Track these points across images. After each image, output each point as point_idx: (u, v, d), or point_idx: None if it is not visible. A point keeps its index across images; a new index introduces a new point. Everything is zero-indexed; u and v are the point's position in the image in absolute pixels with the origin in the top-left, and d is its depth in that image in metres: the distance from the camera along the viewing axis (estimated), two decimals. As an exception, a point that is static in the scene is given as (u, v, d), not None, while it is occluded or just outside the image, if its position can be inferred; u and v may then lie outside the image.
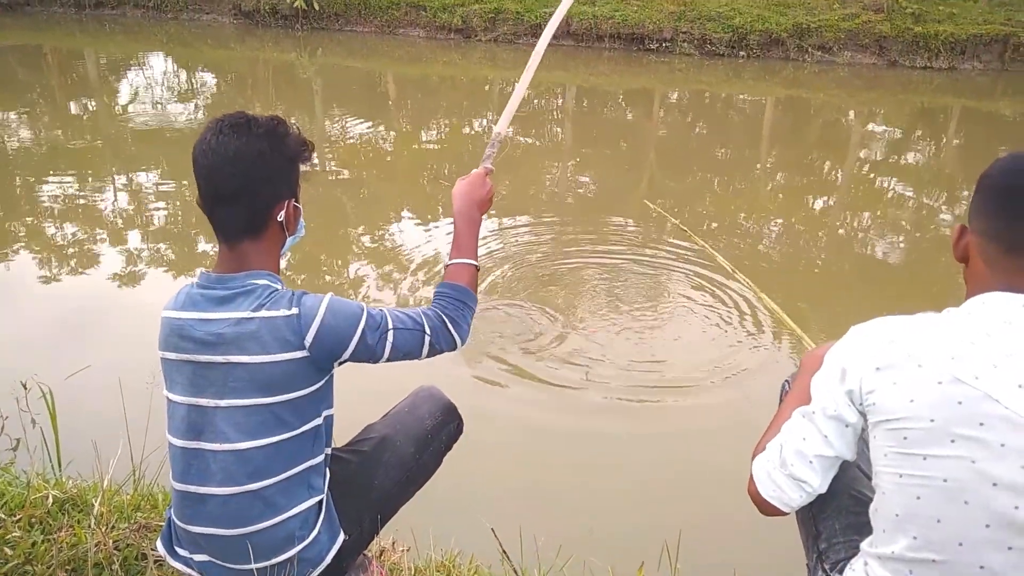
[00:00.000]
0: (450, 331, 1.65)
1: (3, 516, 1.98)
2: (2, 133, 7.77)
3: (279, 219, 1.55)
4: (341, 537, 1.62)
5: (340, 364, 1.57)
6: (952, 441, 1.13)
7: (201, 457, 1.50)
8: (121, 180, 6.50)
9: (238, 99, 9.68)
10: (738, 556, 2.38)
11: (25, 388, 2.78)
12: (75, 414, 2.63)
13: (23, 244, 5.07)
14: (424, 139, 8.22)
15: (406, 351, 1.60)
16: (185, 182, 6.46)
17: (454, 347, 1.67)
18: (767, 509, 1.34)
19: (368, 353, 1.55)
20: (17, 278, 4.59)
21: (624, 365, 3.64)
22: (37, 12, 14.24)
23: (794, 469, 1.30)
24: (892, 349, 1.21)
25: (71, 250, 4.99)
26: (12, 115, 8.48)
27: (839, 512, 1.51)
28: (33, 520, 1.97)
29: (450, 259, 1.76)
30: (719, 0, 12.26)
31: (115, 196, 6.15)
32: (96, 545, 1.80)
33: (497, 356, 3.68)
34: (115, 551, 1.83)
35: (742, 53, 11.79)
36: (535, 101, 10.39)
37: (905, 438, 1.17)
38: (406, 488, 1.78)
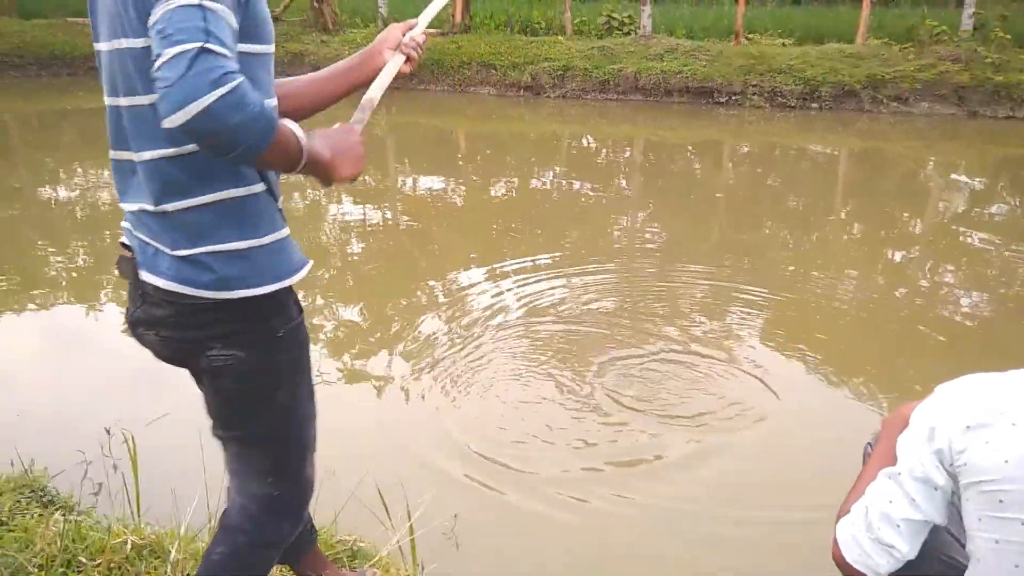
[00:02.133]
0: (217, 84, 1.10)
1: (84, 560, 2.05)
2: (94, 190, 8.22)
3: None
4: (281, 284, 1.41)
5: None
6: (1052, 507, 1.07)
7: (118, 114, 1.38)
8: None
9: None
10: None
11: (108, 434, 2.89)
12: (155, 460, 2.71)
13: (109, 295, 5.31)
14: (492, 193, 8.34)
15: (169, 28, 1.12)
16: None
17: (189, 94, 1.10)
18: (852, 574, 1.28)
19: None
20: (103, 327, 4.79)
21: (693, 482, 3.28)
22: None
23: (881, 533, 1.24)
24: (983, 407, 1.16)
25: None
26: (105, 173, 8.97)
27: (929, 580, 1.43)
28: (112, 565, 2.02)
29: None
30: (790, 53, 12.22)
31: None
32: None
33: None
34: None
35: (814, 105, 11.68)
36: (602, 152, 10.46)
37: (1000, 501, 1.11)
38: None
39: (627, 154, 10.41)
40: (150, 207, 1.36)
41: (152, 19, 1.15)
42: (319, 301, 5.10)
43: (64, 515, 2.25)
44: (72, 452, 3.01)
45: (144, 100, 1.30)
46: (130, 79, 1.31)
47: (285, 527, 1.64)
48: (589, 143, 11.06)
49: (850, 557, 1.27)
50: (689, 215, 7.51)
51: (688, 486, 3.12)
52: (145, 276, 1.40)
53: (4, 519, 2.28)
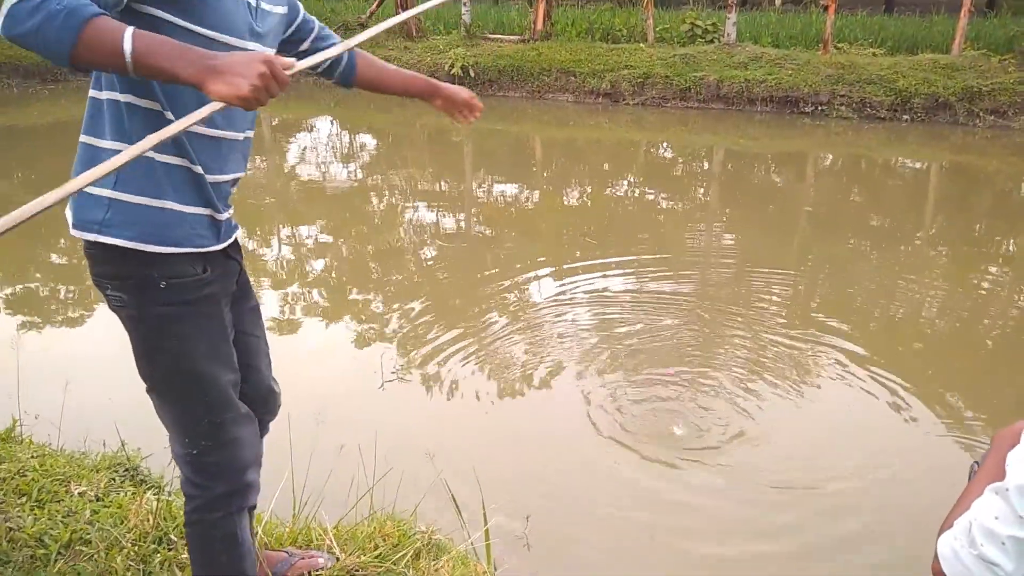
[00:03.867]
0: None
1: (175, 538, 2.14)
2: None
3: None
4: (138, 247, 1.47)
5: None
6: None
7: None
8: (285, 232, 6.98)
9: (395, 160, 10.21)
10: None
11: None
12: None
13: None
14: (566, 200, 8.35)
15: None
16: (342, 238, 6.85)
17: None
18: None
19: None
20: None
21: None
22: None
23: (984, 550, 1.20)
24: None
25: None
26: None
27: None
28: (202, 543, 2.09)
29: None
30: (880, 63, 11.87)
31: (279, 247, 6.60)
32: (259, 572, 1.90)
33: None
34: (276, 579, 1.93)
35: (905, 117, 11.31)
36: (681, 161, 10.36)
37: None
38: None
39: (706, 164, 10.28)
40: None
41: None
42: (393, 302, 5.19)
43: (156, 494, 2.35)
44: (161, 437, 3.13)
45: None
46: None
47: (220, 487, 1.63)
48: (667, 152, 10.96)
49: (951, 573, 1.22)
50: (769, 227, 7.37)
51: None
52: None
53: (100, 495, 2.39)
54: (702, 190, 8.98)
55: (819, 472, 3.27)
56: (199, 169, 1.51)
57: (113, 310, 1.56)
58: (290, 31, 1.76)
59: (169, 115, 1.45)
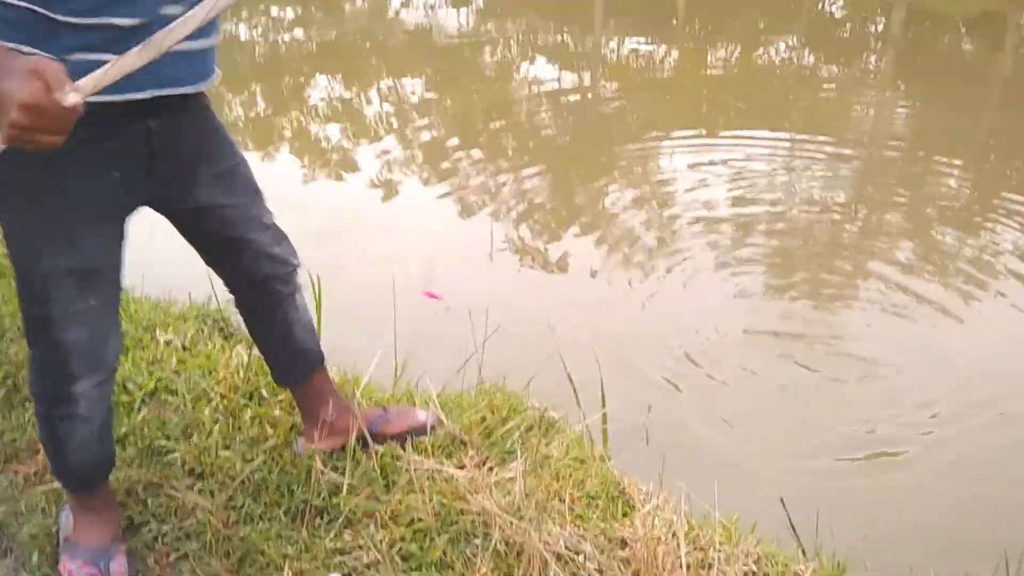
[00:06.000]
0: None
1: (266, 394, 2.19)
2: (277, 29, 8.58)
3: None
4: None
5: None
6: None
7: None
8: (386, 84, 6.93)
9: (518, 6, 9.92)
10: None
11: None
12: (339, 309, 2.81)
13: (289, 142, 5.57)
14: (711, 60, 7.95)
15: None
16: (450, 95, 6.75)
17: None
18: None
19: None
20: (283, 174, 5.05)
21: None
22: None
23: None
24: None
25: (333, 155, 5.40)
26: (288, 11, 9.32)
27: None
28: (294, 404, 2.14)
29: None
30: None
31: (380, 101, 6.57)
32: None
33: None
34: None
35: None
36: (847, 24, 9.67)
37: None
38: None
39: (881, 26, 9.55)
40: None
41: None
42: (505, 167, 5.11)
43: (247, 348, 2.40)
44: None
45: None
46: None
47: (36, 387, 1.60)
48: (836, 7, 10.24)
49: None
50: (952, 105, 6.81)
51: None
52: None
53: (187, 344, 2.47)
54: (874, 59, 8.39)
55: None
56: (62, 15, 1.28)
57: None
58: None
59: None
